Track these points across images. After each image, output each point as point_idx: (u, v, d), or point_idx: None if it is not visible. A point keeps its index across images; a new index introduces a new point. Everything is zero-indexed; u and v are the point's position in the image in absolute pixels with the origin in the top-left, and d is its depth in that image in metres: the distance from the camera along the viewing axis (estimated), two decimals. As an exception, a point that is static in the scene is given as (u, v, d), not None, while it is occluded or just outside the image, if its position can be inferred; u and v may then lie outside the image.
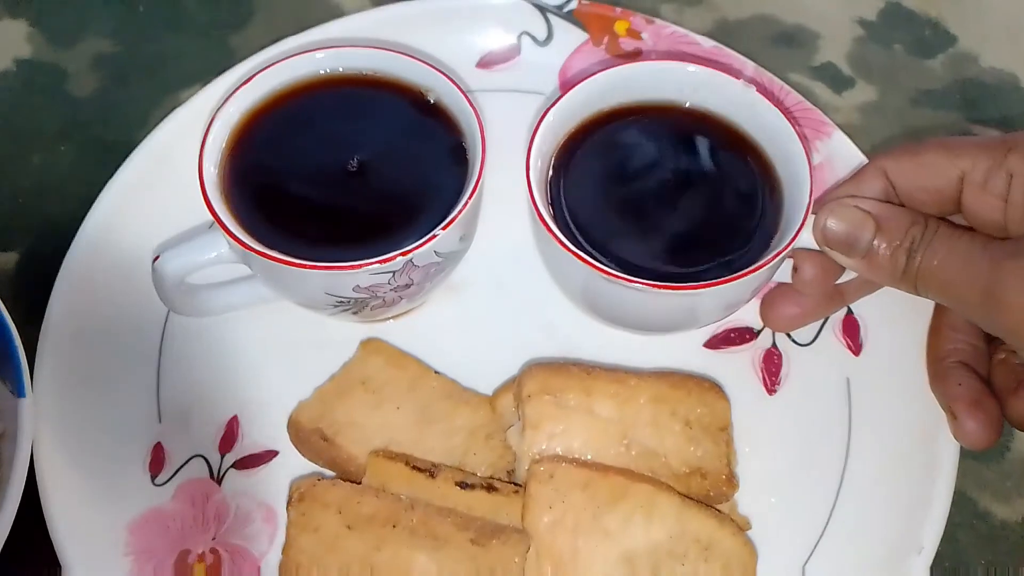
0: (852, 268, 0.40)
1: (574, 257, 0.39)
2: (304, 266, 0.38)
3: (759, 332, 0.48)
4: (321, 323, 0.47)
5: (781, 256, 0.39)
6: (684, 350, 0.47)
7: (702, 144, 0.44)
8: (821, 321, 0.48)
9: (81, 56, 0.58)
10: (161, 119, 0.53)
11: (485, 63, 0.54)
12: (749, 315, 0.48)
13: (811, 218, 0.40)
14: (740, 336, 0.48)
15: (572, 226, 0.42)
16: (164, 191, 0.49)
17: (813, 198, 0.40)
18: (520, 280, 0.49)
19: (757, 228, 0.42)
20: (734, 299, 0.41)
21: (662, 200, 0.43)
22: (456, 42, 0.54)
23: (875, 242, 0.39)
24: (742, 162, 0.44)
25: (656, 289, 0.38)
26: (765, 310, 0.45)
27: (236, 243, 0.39)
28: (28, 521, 0.39)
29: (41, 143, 0.54)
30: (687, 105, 0.45)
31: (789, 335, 0.48)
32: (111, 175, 0.49)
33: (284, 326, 0.47)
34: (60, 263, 0.47)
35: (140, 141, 0.52)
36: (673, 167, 0.44)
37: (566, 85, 0.54)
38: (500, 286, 0.49)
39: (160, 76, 0.57)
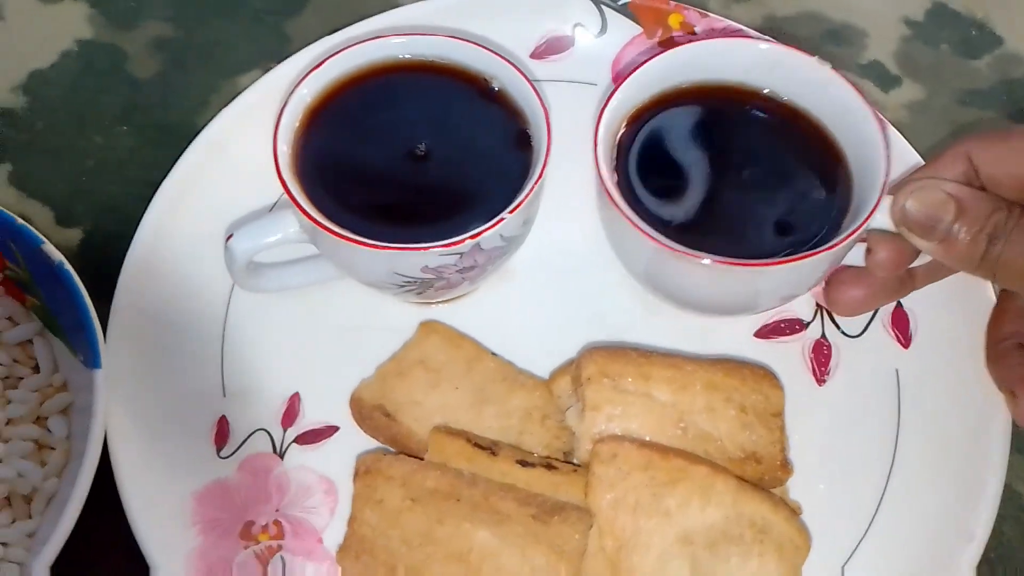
0: (929, 252, 0.40)
1: (640, 233, 0.39)
2: (375, 246, 0.39)
3: (808, 323, 0.49)
4: (380, 305, 0.48)
5: (853, 238, 0.39)
6: (734, 340, 0.48)
7: (771, 124, 0.45)
8: (871, 313, 0.48)
9: (140, 39, 0.59)
10: (219, 103, 0.54)
11: (538, 53, 0.55)
12: (799, 306, 0.49)
13: (886, 199, 0.40)
14: (790, 326, 0.48)
15: (638, 204, 0.43)
16: (225, 175, 0.50)
17: (888, 178, 0.41)
18: (573, 267, 0.50)
19: (826, 210, 0.42)
20: (800, 281, 0.42)
21: (730, 181, 0.44)
22: (510, 32, 0.54)
23: (955, 226, 0.38)
24: (812, 143, 0.44)
25: (722, 266, 0.39)
26: (830, 292, 0.45)
27: (309, 222, 0.40)
28: (102, 491, 0.40)
29: (102, 124, 0.55)
30: (755, 84, 0.45)
31: (838, 326, 0.48)
32: (171, 157, 0.50)
33: (344, 307, 0.48)
34: (123, 241, 0.48)
35: (199, 124, 0.53)
36: (741, 148, 0.44)
37: (619, 77, 0.55)
38: (553, 273, 0.50)
39: (217, 60, 0.58)
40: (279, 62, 0.53)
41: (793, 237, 0.42)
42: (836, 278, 0.45)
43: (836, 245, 0.39)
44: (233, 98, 0.52)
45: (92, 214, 0.52)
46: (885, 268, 0.42)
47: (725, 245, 0.40)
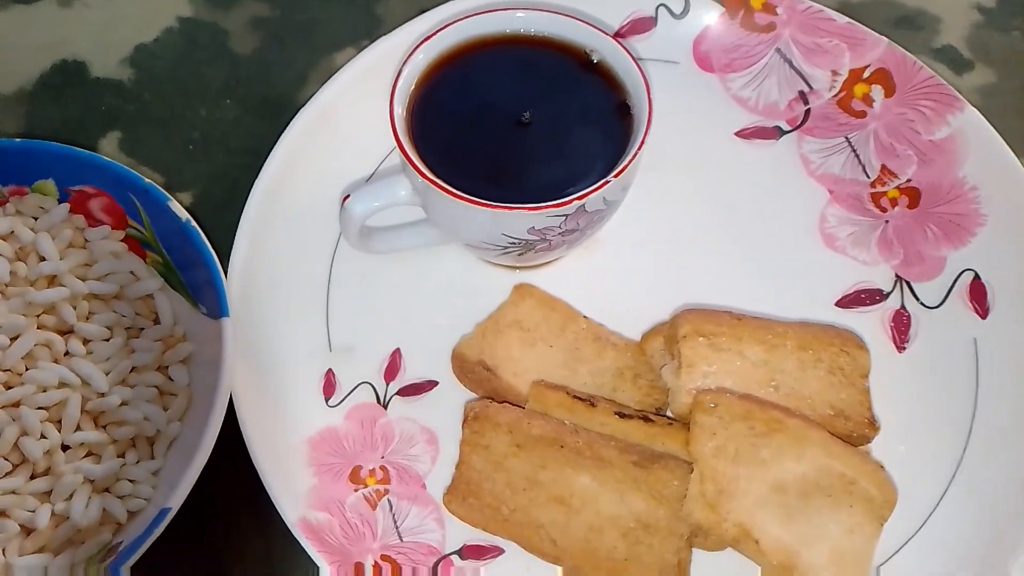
0: None
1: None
2: (488, 206, 0.41)
3: (888, 293, 0.50)
4: (474, 269, 0.51)
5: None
6: (816, 309, 0.50)
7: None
8: (948, 285, 0.50)
9: (239, 18, 0.61)
10: (317, 78, 0.57)
11: (623, 33, 0.57)
12: (879, 277, 0.51)
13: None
14: (870, 296, 0.50)
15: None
16: (329, 144, 0.53)
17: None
18: (658, 236, 0.52)
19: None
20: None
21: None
22: (596, 13, 0.56)
23: None
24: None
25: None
26: None
27: (425, 182, 0.42)
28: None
29: (207, 97, 0.58)
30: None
31: (917, 297, 0.50)
32: (273, 129, 0.53)
33: (439, 270, 0.51)
34: (230, 206, 0.51)
35: (299, 98, 0.56)
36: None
37: (700, 56, 0.57)
38: (639, 241, 0.52)
39: (313, 39, 0.61)
40: (371, 40, 0.56)
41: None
42: None
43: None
44: (331, 74, 0.55)
45: (200, 181, 0.55)
46: None
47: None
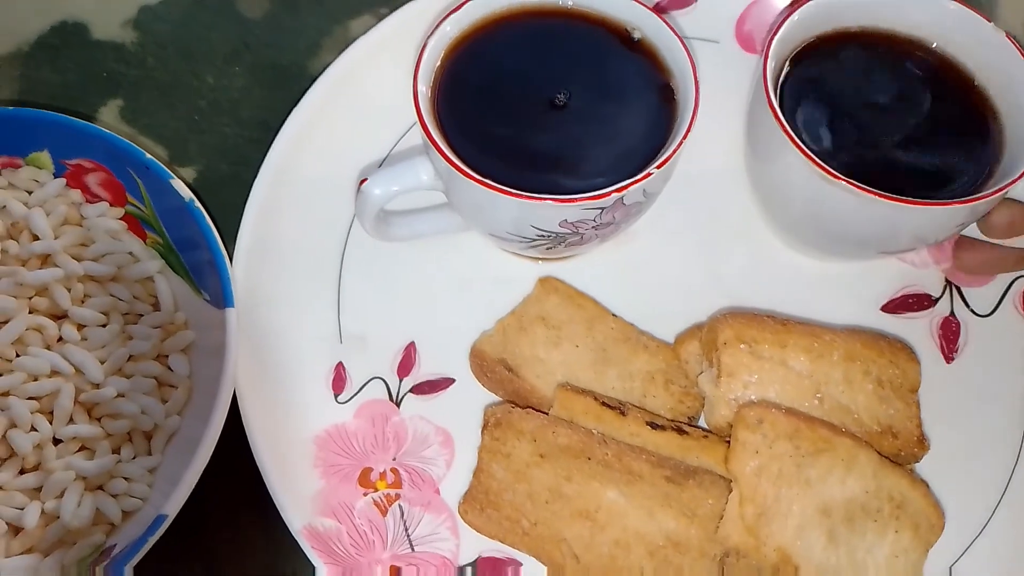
0: None
1: (811, 163, 0.39)
2: (519, 196, 0.38)
3: (937, 299, 0.47)
4: (494, 260, 0.47)
5: (995, 196, 0.39)
6: (860, 312, 0.46)
7: (935, 78, 0.44)
8: (1001, 293, 0.47)
9: (249, -21, 0.58)
10: (332, 47, 0.54)
11: (662, 7, 0.53)
12: (929, 281, 0.47)
13: None
14: (918, 302, 0.47)
15: (800, 134, 0.42)
16: (344, 120, 0.49)
17: None
18: (693, 230, 0.48)
19: (975, 166, 0.42)
20: (935, 227, 0.41)
21: (889, 125, 0.43)
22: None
23: None
24: (970, 99, 0.43)
25: (869, 196, 0.39)
26: (959, 252, 0.46)
27: (449, 167, 0.39)
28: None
29: (213, 63, 0.55)
30: (924, 37, 0.45)
31: (967, 304, 0.47)
32: (284, 99, 0.50)
33: (458, 260, 0.47)
34: (237, 182, 0.48)
35: (311, 67, 0.52)
36: (905, 96, 0.44)
37: (742, 35, 0.53)
38: (672, 234, 0.48)
39: (328, 3, 0.57)
40: (389, 7, 0.52)
41: (941, 185, 0.41)
42: (966, 240, 0.45)
43: (975, 200, 0.39)
44: (346, 42, 0.51)
45: (205, 155, 0.52)
46: (998, 231, 0.41)
47: (875, 181, 0.40)
